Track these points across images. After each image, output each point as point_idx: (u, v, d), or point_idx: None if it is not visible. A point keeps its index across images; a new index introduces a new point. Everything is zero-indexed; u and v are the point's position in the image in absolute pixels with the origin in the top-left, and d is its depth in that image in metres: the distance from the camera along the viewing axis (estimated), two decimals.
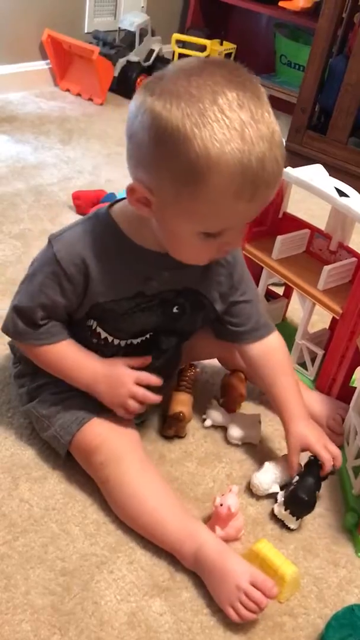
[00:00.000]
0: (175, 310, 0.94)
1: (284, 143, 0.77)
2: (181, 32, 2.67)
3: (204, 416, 1.09)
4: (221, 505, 0.88)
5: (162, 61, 2.55)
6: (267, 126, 0.72)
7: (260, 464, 1.02)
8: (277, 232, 1.23)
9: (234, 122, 0.70)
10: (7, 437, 1.01)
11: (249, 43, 2.82)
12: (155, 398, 0.91)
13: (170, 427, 1.04)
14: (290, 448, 0.97)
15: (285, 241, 1.21)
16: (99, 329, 0.93)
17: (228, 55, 2.72)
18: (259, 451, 1.06)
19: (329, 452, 0.95)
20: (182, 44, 2.48)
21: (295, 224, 1.26)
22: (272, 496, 0.97)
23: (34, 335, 0.91)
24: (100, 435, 0.92)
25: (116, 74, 2.42)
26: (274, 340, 1.03)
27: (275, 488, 0.97)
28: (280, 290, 1.38)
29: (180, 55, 2.48)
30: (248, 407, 1.14)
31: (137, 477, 0.89)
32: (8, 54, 2.22)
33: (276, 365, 1.01)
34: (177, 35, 2.47)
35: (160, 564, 0.86)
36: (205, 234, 0.78)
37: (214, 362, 1.21)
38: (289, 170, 1.17)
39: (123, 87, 2.44)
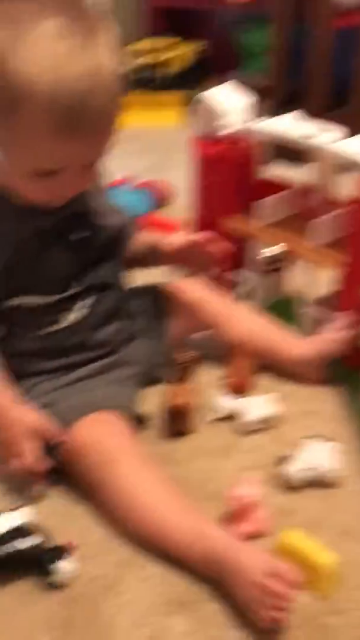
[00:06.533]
0: (73, 237, 0.86)
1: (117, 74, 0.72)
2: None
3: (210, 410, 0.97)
4: (237, 498, 0.76)
5: None
6: (92, 60, 0.67)
7: (280, 449, 0.89)
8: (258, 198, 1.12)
9: (53, 52, 0.65)
10: None
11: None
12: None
13: (173, 424, 0.92)
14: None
15: (269, 204, 1.10)
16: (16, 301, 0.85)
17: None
18: (277, 437, 0.94)
19: None
20: None
21: (278, 186, 1.14)
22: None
23: None
24: (91, 436, 0.81)
25: None
26: None
27: (310, 473, 0.84)
28: None
29: None
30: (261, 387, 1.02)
31: (133, 475, 0.77)
32: None
33: None
34: None
35: (175, 578, 0.73)
36: (37, 172, 0.73)
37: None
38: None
39: None
